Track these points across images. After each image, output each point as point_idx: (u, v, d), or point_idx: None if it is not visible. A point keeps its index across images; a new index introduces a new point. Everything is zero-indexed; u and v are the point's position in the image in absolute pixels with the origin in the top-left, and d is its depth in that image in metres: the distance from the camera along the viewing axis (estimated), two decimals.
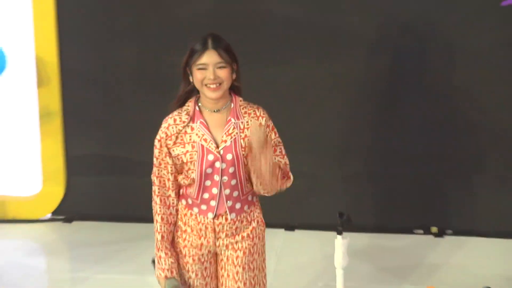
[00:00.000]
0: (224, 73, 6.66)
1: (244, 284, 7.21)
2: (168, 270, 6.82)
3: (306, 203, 10.16)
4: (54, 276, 9.88)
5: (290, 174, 6.83)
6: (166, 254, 6.88)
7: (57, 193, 10.59)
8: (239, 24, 9.90)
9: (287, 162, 6.90)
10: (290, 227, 10.16)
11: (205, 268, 7.18)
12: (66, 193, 10.60)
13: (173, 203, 6.86)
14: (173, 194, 6.81)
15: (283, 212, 9.96)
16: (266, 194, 6.84)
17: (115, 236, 10.35)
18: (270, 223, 7.35)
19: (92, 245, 9.97)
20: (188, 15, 10.02)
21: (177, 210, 7.01)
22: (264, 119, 6.83)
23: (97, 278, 9.32)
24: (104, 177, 10.65)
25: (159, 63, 9.60)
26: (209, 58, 6.67)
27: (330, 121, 10.19)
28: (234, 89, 6.77)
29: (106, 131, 10.35)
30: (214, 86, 6.64)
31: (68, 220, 10.50)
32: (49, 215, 10.54)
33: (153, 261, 6.89)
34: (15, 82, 10.54)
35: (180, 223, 7.09)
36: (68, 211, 10.59)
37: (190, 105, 6.80)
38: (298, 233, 10.23)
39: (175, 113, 6.76)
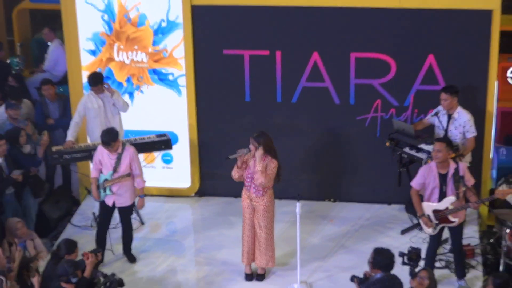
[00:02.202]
0: (253, 148, 9.35)
1: (261, 220, 9.62)
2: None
3: (285, 190, 10.96)
4: (197, 214, 11.77)
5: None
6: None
7: (196, 186, 11.95)
8: (263, 125, 10.90)
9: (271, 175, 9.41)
10: (281, 198, 10.84)
11: (250, 212, 9.69)
12: (200, 187, 11.94)
13: (240, 174, 9.46)
14: (239, 175, 9.45)
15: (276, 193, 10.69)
16: (258, 184, 9.34)
17: (222, 202, 11.67)
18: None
19: (214, 205, 11.62)
20: (249, 123, 11.41)
21: (239, 177, 9.46)
22: (273, 161, 9.40)
23: (217, 219, 11.17)
24: (214, 181, 11.67)
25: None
26: (251, 140, 9.39)
27: (298, 152, 11.57)
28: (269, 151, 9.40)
29: (217, 162, 11.18)
30: (253, 149, 9.35)
31: (200, 195, 11.97)
32: (193, 194, 11.99)
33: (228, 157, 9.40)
34: (179, 150, 11.83)
35: (242, 192, 9.63)
36: (201, 193, 11.98)
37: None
38: (283, 201, 10.98)
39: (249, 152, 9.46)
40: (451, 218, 9.40)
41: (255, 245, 9.87)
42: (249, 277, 10.06)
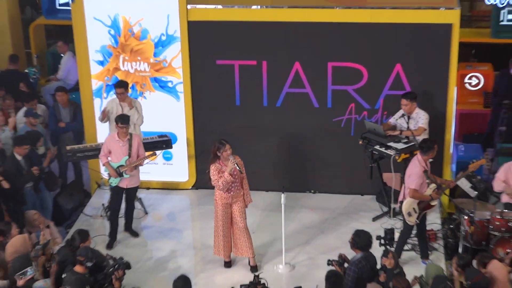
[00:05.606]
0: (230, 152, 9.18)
1: (243, 212, 9.48)
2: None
3: (270, 183, 11.42)
4: (195, 205, 11.69)
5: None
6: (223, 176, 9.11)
7: (193, 180, 11.90)
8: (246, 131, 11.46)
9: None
10: (268, 190, 11.45)
11: (227, 211, 9.51)
12: (196, 181, 11.87)
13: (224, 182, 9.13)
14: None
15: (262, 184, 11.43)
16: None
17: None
18: (256, 188, 10.44)
19: (209, 196, 10.75)
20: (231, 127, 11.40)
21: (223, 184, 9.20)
22: (237, 159, 9.22)
23: (211, 208, 9.97)
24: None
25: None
26: (228, 146, 9.21)
27: (282, 150, 11.59)
28: None
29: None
30: (231, 153, 9.14)
31: (197, 188, 11.87)
32: (191, 187, 11.93)
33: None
34: (178, 148, 11.70)
35: (219, 196, 9.42)
36: (197, 186, 11.85)
37: (219, 162, 9.14)
38: (269, 193, 11.35)
39: (216, 163, 9.27)
40: (432, 203, 9.54)
41: (243, 238, 9.68)
42: (230, 264, 9.97)
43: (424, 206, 9.56)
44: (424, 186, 9.49)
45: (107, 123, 11.25)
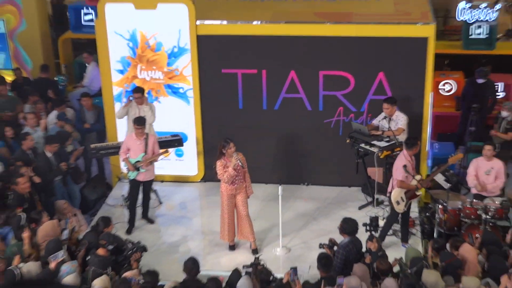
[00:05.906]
0: (233, 150, 9.12)
1: (245, 202, 9.45)
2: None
3: (269, 176, 11.18)
4: (203, 196, 11.59)
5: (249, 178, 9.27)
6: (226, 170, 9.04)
7: (202, 174, 11.78)
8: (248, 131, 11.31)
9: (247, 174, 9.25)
10: (267, 183, 11.22)
11: (232, 200, 9.47)
12: (204, 175, 11.76)
13: (228, 176, 9.08)
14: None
15: (264, 178, 11.29)
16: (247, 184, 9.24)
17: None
18: (257, 181, 10.26)
19: (216, 188, 10.50)
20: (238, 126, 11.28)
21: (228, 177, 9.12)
22: (240, 155, 9.15)
23: (218, 199, 9.92)
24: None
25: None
26: (232, 144, 9.11)
27: (279, 147, 11.45)
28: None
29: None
30: (234, 151, 9.08)
31: (205, 181, 11.75)
32: (199, 180, 11.82)
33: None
34: (188, 146, 11.60)
35: (224, 188, 9.32)
36: (205, 179, 11.74)
37: (224, 158, 9.06)
38: (268, 185, 11.11)
39: (221, 159, 9.18)
40: (417, 192, 9.50)
41: (245, 224, 9.63)
42: (234, 247, 9.92)
43: (410, 195, 9.52)
44: (409, 177, 9.46)
45: (126, 124, 11.19)
